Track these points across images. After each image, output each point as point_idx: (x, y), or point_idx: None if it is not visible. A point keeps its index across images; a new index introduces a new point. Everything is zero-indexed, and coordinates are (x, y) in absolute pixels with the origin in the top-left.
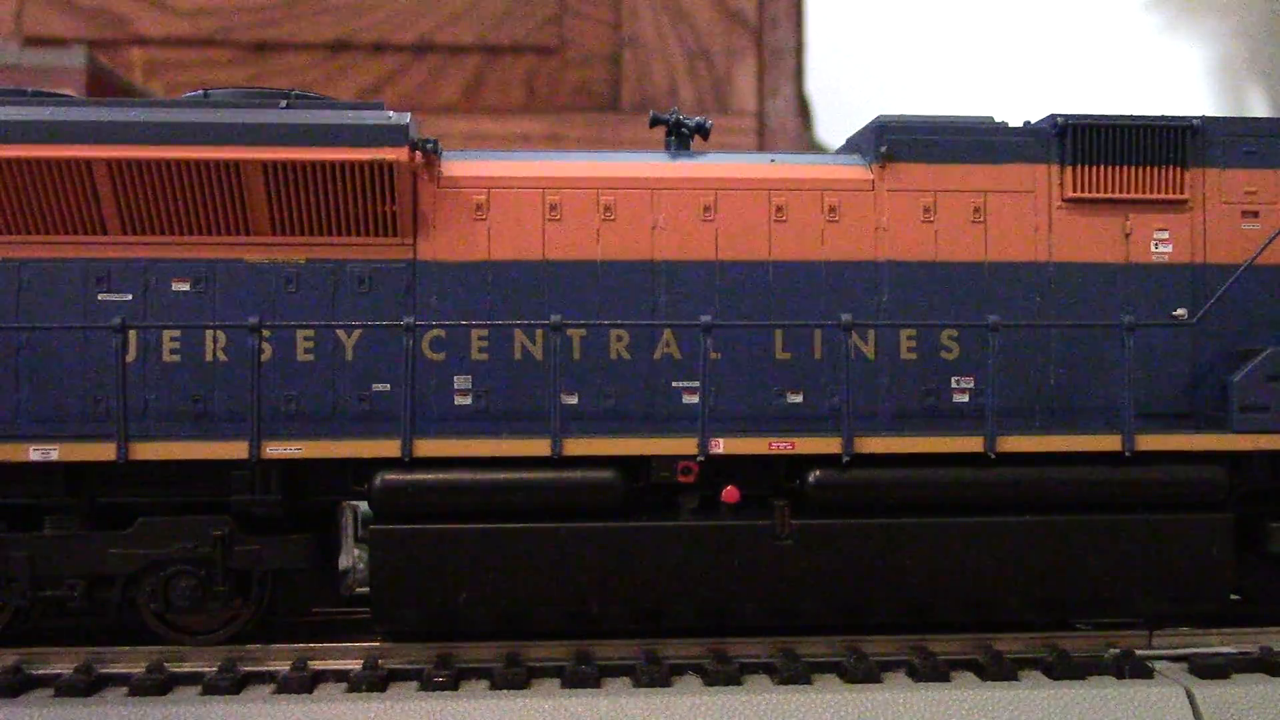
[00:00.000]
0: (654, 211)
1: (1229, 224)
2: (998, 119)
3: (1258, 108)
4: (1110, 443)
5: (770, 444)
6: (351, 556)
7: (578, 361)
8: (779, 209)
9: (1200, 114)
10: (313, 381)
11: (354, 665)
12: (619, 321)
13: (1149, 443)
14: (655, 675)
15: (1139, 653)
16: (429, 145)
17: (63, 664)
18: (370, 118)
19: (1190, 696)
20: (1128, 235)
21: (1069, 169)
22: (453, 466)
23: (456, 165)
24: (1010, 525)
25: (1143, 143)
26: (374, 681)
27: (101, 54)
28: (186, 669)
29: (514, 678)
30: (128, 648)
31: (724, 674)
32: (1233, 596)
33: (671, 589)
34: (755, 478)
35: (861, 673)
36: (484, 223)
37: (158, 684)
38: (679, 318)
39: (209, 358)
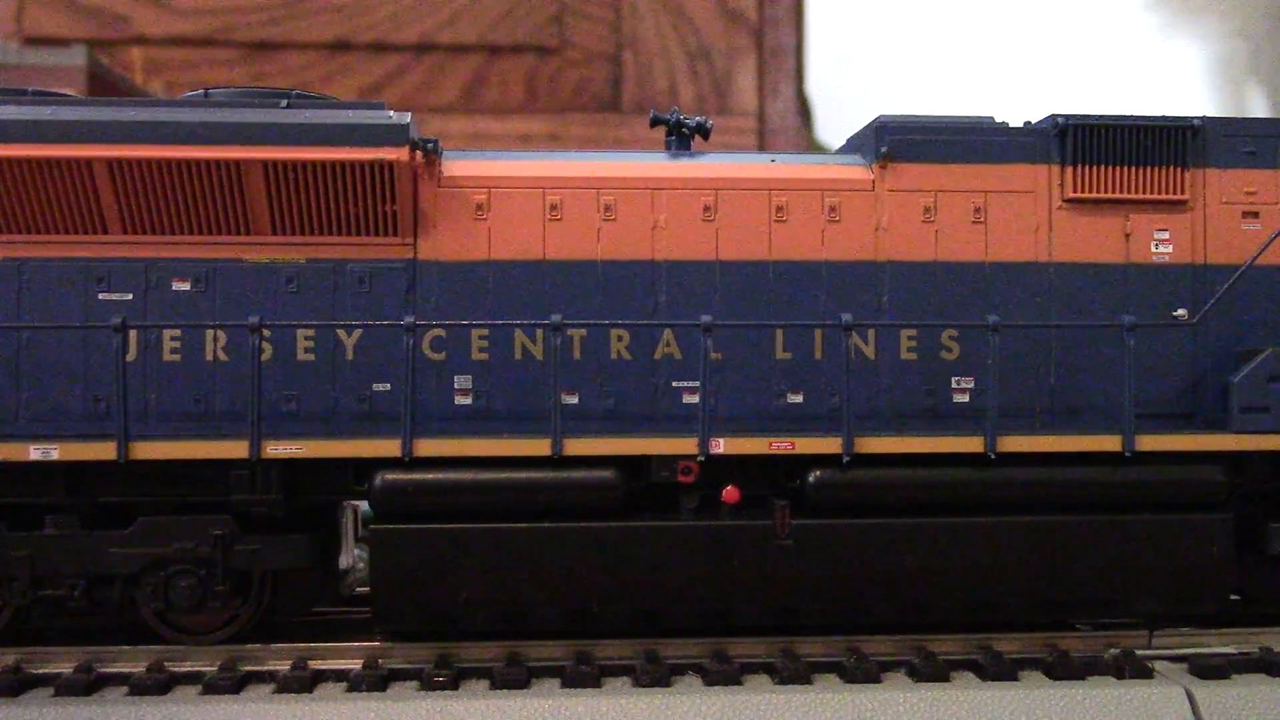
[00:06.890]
0: (654, 211)
1: (1229, 224)
2: (998, 119)
3: (1258, 108)
4: (1110, 443)
5: (770, 444)
6: (352, 556)
7: (578, 361)
8: (779, 209)
9: (1200, 114)
10: (313, 381)
11: (354, 665)
12: (619, 321)
13: (1149, 443)
14: (655, 675)
15: (1139, 653)
16: (429, 145)
17: (63, 664)
18: (371, 117)
19: (1190, 697)
20: (1128, 235)
21: (1069, 169)
22: (453, 466)
23: (457, 165)
24: (1010, 525)
25: (1143, 143)
26: (374, 681)
27: (101, 54)
28: (186, 668)
29: (514, 678)
30: (128, 647)
31: (724, 674)
32: (1233, 596)
33: (672, 589)
34: (756, 478)
35: (861, 673)
36: (484, 222)
37: (158, 684)
38: (679, 318)
39: (209, 357)
